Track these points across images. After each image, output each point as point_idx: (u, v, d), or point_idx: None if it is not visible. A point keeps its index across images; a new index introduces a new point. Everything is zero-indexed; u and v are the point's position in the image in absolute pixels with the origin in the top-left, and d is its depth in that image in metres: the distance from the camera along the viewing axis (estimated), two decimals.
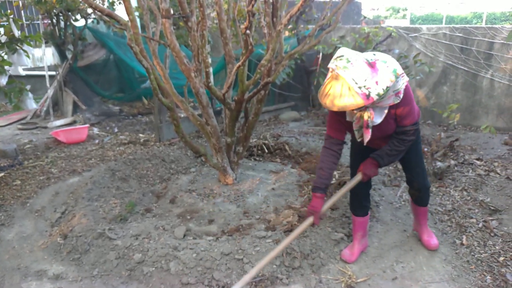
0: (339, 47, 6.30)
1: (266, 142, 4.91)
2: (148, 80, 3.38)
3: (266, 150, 4.84)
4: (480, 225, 3.19)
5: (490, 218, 3.30)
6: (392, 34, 5.84)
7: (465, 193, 3.78)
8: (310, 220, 2.44)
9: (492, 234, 3.06)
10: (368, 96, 1.95)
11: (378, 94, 1.97)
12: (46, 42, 7.45)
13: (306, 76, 7.23)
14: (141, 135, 5.89)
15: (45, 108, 7.43)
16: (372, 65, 1.99)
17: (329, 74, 2.04)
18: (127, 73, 7.87)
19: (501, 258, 2.76)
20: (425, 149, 4.69)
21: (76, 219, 3.15)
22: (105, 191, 3.72)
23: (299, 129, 6.11)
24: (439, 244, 2.90)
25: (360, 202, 2.80)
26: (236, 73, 2.92)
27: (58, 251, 2.94)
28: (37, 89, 8.85)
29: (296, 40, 6.65)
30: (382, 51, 5.84)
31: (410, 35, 6.06)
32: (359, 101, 1.95)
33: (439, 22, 19.16)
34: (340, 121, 2.37)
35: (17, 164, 4.80)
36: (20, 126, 6.85)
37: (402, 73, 2.12)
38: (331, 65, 2.04)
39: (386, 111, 2.21)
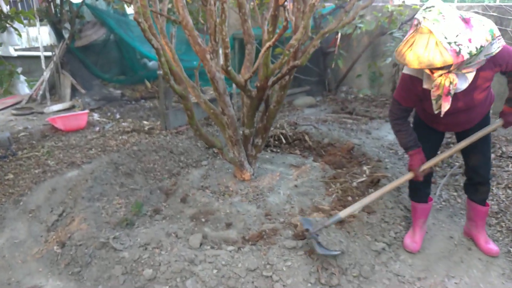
0: (360, 27, 5.84)
1: (284, 131, 4.47)
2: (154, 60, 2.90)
3: (284, 141, 4.41)
4: None
5: None
6: None
7: (509, 191, 3.36)
8: (410, 175, 2.40)
9: None
10: (458, 53, 1.77)
11: (469, 53, 1.79)
12: (41, 20, 6.92)
13: (323, 58, 6.73)
14: (145, 122, 5.44)
15: (41, 92, 6.95)
16: (466, 20, 1.82)
17: (413, 27, 1.88)
18: (129, 54, 7.36)
19: None
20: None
21: (75, 223, 2.75)
22: (107, 188, 3.30)
23: (316, 116, 5.65)
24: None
25: (419, 188, 2.61)
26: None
27: (55, 262, 2.54)
28: (32, 70, 8.33)
29: (312, 20, 6.12)
30: (406, 32, 5.34)
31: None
32: (448, 58, 1.78)
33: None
34: (412, 90, 2.17)
35: (10, 155, 4.37)
36: (14, 112, 6.40)
37: (499, 36, 1.91)
38: (418, 16, 1.87)
39: (472, 75, 1.99)
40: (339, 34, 6.03)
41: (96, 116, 6.00)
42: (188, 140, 4.44)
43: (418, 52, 1.83)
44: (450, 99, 2.00)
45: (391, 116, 2.39)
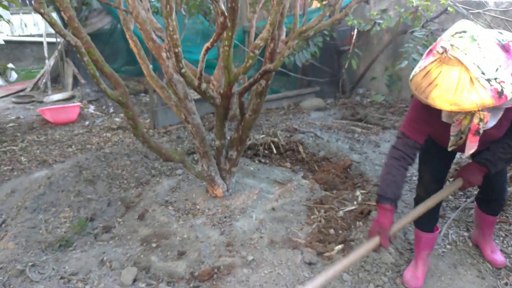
0: (379, 23, 5.19)
1: (276, 140, 3.98)
2: None
3: (275, 151, 3.92)
4: None
5: None
6: (448, 9, 4.62)
7: None
8: (375, 241, 1.77)
9: None
10: (500, 94, 1.38)
11: None
12: (47, 7, 6.71)
13: (337, 57, 6.12)
14: None
15: (44, 80, 6.79)
16: (506, 48, 1.42)
17: (437, 56, 1.46)
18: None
19: None
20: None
21: (4, 241, 2.41)
22: (61, 197, 2.95)
23: (322, 122, 5.10)
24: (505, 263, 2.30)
25: (430, 213, 2.05)
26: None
27: None
28: (26, 56, 8.24)
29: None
30: (433, 31, 4.66)
31: (471, 11, 4.81)
32: (487, 100, 1.39)
33: None
34: (427, 120, 1.78)
35: None
36: (14, 99, 6.25)
37: None
38: (443, 43, 1.45)
39: (502, 112, 1.65)
40: (356, 31, 5.41)
41: (92, 108, 5.74)
42: (170, 143, 4.04)
43: (447, 91, 1.43)
44: (478, 139, 1.58)
45: (390, 154, 1.90)
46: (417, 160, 2.05)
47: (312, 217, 2.87)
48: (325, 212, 2.88)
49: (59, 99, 6.19)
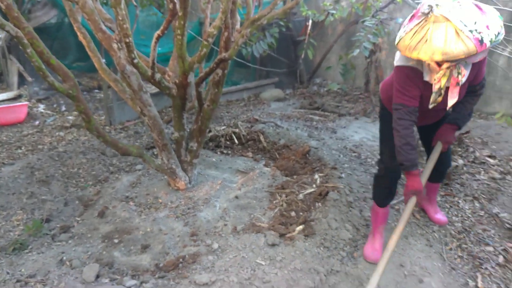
0: (333, 14, 5.33)
1: (237, 130, 4.00)
2: None
3: (237, 141, 3.94)
4: (501, 259, 2.38)
5: (511, 245, 2.50)
6: None
7: (477, 204, 2.95)
8: (413, 201, 2.07)
9: None
10: (481, 42, 1.64)
11: (490, 41, 1.67)
12: None
13: (293, 48, 6.23)
14: None
15: None
16: (478, 6, 1.70)
17: (423, 17, 1.71)
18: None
19: None
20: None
21: None
22: (12, 199, 2.83)
23: (282, 112, 5.19)
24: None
25: (390, 190, 2.44)
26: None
27: None
28: None
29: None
30: (383, 20, 4.86)
31: (416, 1, 5.06)
32: (471, 48, 1.63)
33: None
34: (415, 84, 1.97)
35: None
36: None
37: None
38: (428, 2, 1.69)
39: (470, 65, 1.89)
40: (310, 21, 5.52)
41: (41, 107, 5.48)
42: (127, 138, 3.96)
43: (438, 44, 1.66)
44: (459, 89, 1.87)
45: (399, 125, 2.02)
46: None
47: (274, 202, 2.93)
48: (286, 196, 2.95)
49: (4, 99, 5.84)
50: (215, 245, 2.45)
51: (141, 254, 2.40)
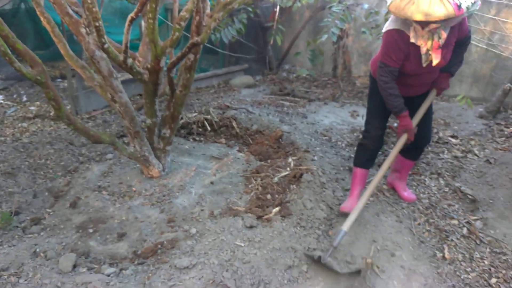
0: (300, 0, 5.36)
1: (209, 117, 3.99)
2: None
3: (209, 128, 3.93)
4: (465, 230, 2.54)
5: (474, 217, 2.67)
6: None
7: (442, 181, 3.12)
8: (404, 138, 2.47)
9: (478, 242, 2.43)
10: (459, 7, 1.91)
11: (467, 7, 1.94)
12: None
13: (262, 34, 6.22)
14: None
15: None
16: None
17: None
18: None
19: (493, 280, 2.14)
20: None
21: None
22: None
23: (252, 98, 5.21)
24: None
25: (371, 155, 2.73)
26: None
27: None
28: None
29: None
30: (349, 6, 4.93)
31: None
32: (451, 11, 1.89)
33: None
34: (400, 46, 2.21)
35: None
36: None
37: None
38: None
39: (448, 30, 2.14)
40: (278, 7, 5.53)
41: (0, 98, 5.20)
42: (96, 128, 3.85)
43: (423, 6, 1.91)
44: (441, 51, 2.13)
45: (381, 80, 2.35)
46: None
47: (249, 186, 2.97)
48: (261, 180, 2.99)
49: None
50: (193, 230, 2.46)
51: (117, 242, 2.38)
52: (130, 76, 2.80)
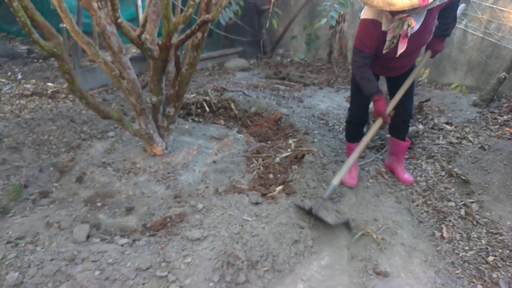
0: None
1: (208, 98, 4.03)
2: None
3: (208, 109, 3.98)
4: (462, 212, 2.67)
5: (470, 200, 2.80)
6: None
7: (438, 166, 3.25)
8: (379, 121, 2.54)
9: (474, 223, 2.57)
10: None
11: None
12: None
13: (257, 17, 6.23)
14: (50, 84, 4.70)
15: None
16: None
17: None
18: (37, 3, 6.30)
19: (490, 258, 2.26)
20: None
21: None
22: None
23: (248, 81, 5.25)
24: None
25: (358, 129, 2.89)
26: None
27: None
28: None
29: None
30: None
31: None
32: (415, 2, 1.91)
33: None
34: (373, 34, 2.29)
35: None
36: None
37: None
38: None
39: (424, 15, 2.19)
40: None
41: None
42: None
43: None
44: (407, 41, 2.16)
45: (354, 65, 2.45)
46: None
47: (251, 166, 3.05)
48: (263, 160, 3.07)
49: None
50: (200, 206, 2.53)
51: (126, 216, 2.44)
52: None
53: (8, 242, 2.02)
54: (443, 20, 2.52)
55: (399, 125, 2.86)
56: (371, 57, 2.41)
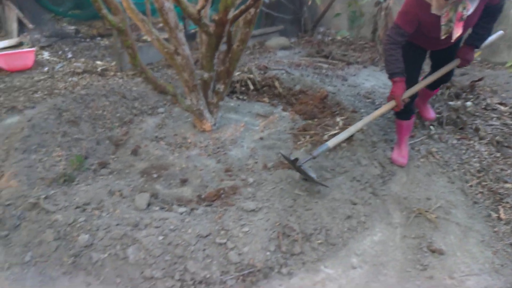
0: None
1: (252, 76, 4.05)
2: None
3: (252, 87, 4.00)
4: None
5: None
6: None
7: (492, 148, 3.13)
8: (392, 103, 2.53)
9: None
10: None
11: None
12: None
13: None
14: (99, 62, 4.87)
15: None
16: None
17: None
18: None
19: None
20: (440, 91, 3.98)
21: (4, 180, 2.36)
22: (47, 138, 2.87)
23: (289, 60, 5.21)
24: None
25: (409, 107, 2.74)
26: None
27: None
28: None
29: None
30: None
31: None
32: None
33: None
34: (417, 14, 2.24)
35: None
36: None
37: None
38: None
39: (478, 1, 2.11)
40: None
41: (46, 55, 5.35)
42: (144, 83, 3.96)
43: None
44: (462, 24, 2.09)
45: (388, 40, 2.42)
46: None
47: (298, 143, 3.06)
48: (310, 138, 3.08)
49: (5, 47, 5.67)
50: (251, 179, 2.59)
51: (181, 187, 2.54)
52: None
53: (77, 207, 2.16)
54: (478, 30, 2.46)
55: (438, 83, 2.89)
56: (407, 36, 2.37)
